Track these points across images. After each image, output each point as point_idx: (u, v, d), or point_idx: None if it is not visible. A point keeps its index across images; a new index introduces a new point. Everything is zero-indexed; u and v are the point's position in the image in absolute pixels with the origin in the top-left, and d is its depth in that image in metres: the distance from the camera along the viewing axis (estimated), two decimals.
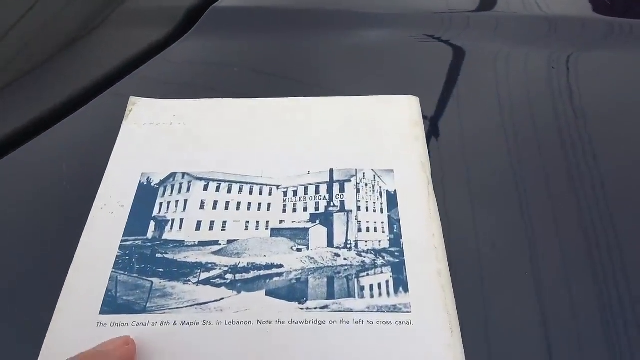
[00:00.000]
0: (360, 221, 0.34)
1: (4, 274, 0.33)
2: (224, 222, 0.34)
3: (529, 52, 0.47)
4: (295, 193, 0.36)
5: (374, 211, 0.35)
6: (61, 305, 0.31)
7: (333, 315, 0.30)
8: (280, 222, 0.34)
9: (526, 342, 0.29)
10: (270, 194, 0.36)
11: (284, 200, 0.35)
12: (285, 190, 0.36)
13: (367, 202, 0.35)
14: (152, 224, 0.34)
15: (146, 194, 0.36)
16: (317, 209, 0.35)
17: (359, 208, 0.35)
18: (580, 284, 0.32)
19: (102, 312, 0.30)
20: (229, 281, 0.31)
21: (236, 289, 0.31)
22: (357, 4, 0.53)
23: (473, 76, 0.45)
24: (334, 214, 0.35)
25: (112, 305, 0.31)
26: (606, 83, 0.45)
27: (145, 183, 0.37)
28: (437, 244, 0.33)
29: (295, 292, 0.31)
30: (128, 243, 0.33)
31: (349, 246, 0.33)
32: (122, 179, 0.37)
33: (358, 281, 0.31)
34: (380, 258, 0.32)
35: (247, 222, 0.34)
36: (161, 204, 0.35)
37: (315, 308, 0.30)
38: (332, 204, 0.35)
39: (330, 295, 0.31)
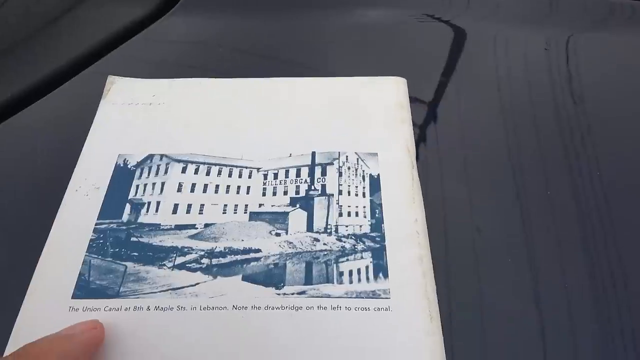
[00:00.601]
0: (341, 205, 0.33)
1: None
2: (202, 205, 0.33)
3: (524, 32, 0.46)
4: (275, 176, 0.35)
5: (356, 195, 0.34)
6: (33, 288, 0.30)
7: (310, 300, 0.29)
8: (260, 205, 0.33)
9: (507, 329, 0.29)
10: (250, 176, 0.35)
11: (264, 184, 0.34)
12: (266, 173, 0.35)
13: (349, 186, 0.34)
14: (128, 206, 0.33)
15: (122, 176, 0.35)
16: (297, 192, 0.34)
17: (340, 192, 0.34)
18: (564, 270, 0.31)
19: (74, 297, 0.30)
20: (205, 266, 0.31)
21: (212, 273, 0.30)
22: None
23: (465, 59, 0.44)
24: (315, 198, 0.34)
25: (84, 289, 0.30)
26: (606, 66, 0.43)
27: (121, 165, 0.36)
28: (419, 229, 0.32)
29: (272, 277, 0.30)
30: (103, 226, 0.32)
31: (329, 231, 0.32)
32: (98, 160, 0.36)
33: (337, 266, 0.30)
34: (361, 243, 0.31)
35: (226, 205, 0.33)
36: (137, 186, 0.34)
37: (293, 294, 0.29)
38: (313, 188, 0.34)
39: (308, 280, 0.30)
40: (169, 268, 0.31)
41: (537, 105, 0.40)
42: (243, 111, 0.39)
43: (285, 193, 0.34)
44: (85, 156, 0.36)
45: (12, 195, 0.35)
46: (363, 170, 0.35)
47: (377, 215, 0.33)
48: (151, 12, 0.49)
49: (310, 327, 0.28)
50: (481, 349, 0.28)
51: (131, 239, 0.32)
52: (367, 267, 0.30)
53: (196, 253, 0.31)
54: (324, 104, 0.39)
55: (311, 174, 0.35)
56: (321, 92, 0.40)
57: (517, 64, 0.43)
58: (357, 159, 0.35)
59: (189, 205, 0.33)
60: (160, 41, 0.47)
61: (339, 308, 0.29)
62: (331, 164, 0.35)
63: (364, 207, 0.33)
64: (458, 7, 0.49)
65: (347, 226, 0.32)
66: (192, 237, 0.32)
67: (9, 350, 0.27)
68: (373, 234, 0.32)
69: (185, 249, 0.31)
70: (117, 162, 0.36)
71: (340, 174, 0.35)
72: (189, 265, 0.31)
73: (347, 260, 0.31)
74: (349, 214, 0.33)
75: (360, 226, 0.32)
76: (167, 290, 0.30)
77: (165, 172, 0.35)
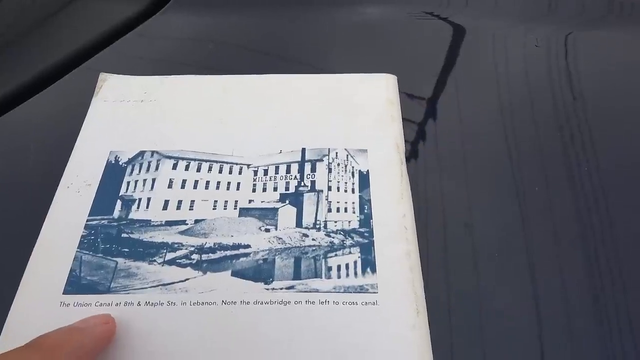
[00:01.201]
0: (330, 201, 0.34)
1: None
2: (192, 202, 0.34)
3: (521, 30, 0.45)
4: (265, 172, 0.35)
5: (345, 191, 0.34)
6: (24, 284, 0.30)
7: (298, 295, 0.29)
8: (250, 201, 0.34)
9: (493, 323, 0.29)
10: (240, 173, 0.35)
11: (254, 180, 0.35)
12: (256, 169, 0.35)
13: (338, 182, 0.35)
14: (119, 203, 0.34)
15: (114, 173, 0.35)
16: (287, 188, 0.34)
17: (329, 188, 0.34)
18: (552, 265, 0.31)
19: (65, 292, 0.30)
20: (194, 261, 0.31)
21: (202, 269, 0.31)
22: None
23: (461, 56, 0.44)
24: (304, 194, 0.34)
25: (75, 285, 0.30)
26: (605, 63, 0.43)
27: (113, 161, 0.36)
28: (407, 224, 0.32)
29: (261, 272, 0.30)
30: (94, 223, 0.33)
31: (317, 227, 0.32)
32: (90, 157, 0.36)
33: (325, 262, 0.31)
34: (349, 239, 0.32)
35: (216, 201, 0.34)
36: (129, 182, 0.35)
37: (281, 288, 0.30)
38: (302, 184, 0.34)
39: (297, 275, 0.30)
40: (159, 264, 0.31)
41: (532, 102, 0.40)
42: (234, 108, 0.39)
43: (275, 189, 0.34)
44: (77, 153, 0.36)
45: (4, 192, 0.35)
46: (352, 167, 0.35)
47: (365, 211, 0.33)
48: (144, 10, 0.49)
49: (298, 322, 0.28)
50: (467, 343, 0.29)
51: (122, 235, 0.32)
52: (355, 262, 0.31)
53: (186, 249, 0.31)
54: (314, 101, 0.39)
55: (301, 170, 0.35)
56: (312, 88, 0.40)
57: (513, 62, 0.43)
58: (347, 155, 0.36)
59: (180, 202, 0.34)
60: (152, 38, 0.47)
61: (326, 302, 0.29)
62: (321, 160, 0.36)
63: (353, 203, 0.33)
64: (456, 4, 0.49)
65: (336, 222, 0.33)
66: (182, 233, 0.32)
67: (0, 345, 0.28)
68: (362, 230, 0.32)
69: (176, 245, 0.32)
70: (108, 159, 0.36)
71: (330, 170, 0.35)
72: (179, 261, 0.31)
73: (336, 255, 0.31)
74: (338, 210, 0.33)
75: (349, 222, 0.33)
76: (157, 285, 0.30)
77: (156, 168, 0.35)
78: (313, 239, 0.32)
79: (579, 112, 0.39)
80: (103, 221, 0.33)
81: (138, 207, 0.33)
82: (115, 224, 0.33)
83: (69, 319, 0.28)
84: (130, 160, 0.36)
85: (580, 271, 0.31)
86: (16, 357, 0.24)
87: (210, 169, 0.35)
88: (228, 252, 0.31)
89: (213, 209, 0.33)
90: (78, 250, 0.31)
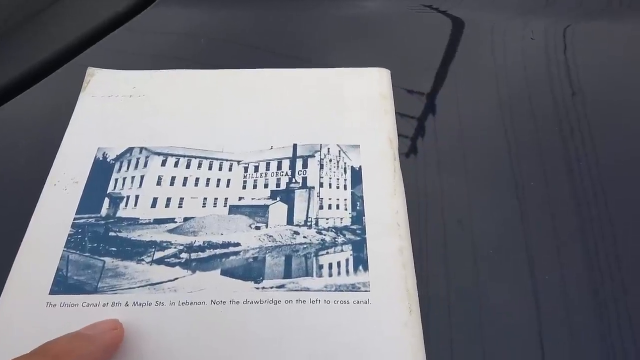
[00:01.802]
0: (322, 198, 0.33)
1: None
2: (181, 199, 0.33)
3: (520, 23, 0.45)
4: (256, 169, 0.34)
5: (337, 188, 0.33)
6: (10, 284, 0.30)
7: (289, 294, 0.29)
8: (240, 198, 0.33)
9: (486, 321, 0.29)
10: (230, 169, 0.34)
11: (245, 176, 0.34)
12: (246, 165, 0.35)
13: (330, 178, 0.34)
14: (107, 201, 0.33)
15: (102, 170, 0.34)
16: (278, 185, 0.34)
17: (321, 184, 0.34)
18: (546, 262, 0.31)
19: (51, 292, 0.29)
20: (183, 260, 0.30)
21: (191, 268, 0.30)
22: None
23: (460, 50, 0.43)
24: (296, 191, 0.33)
25: (62, 285, 0.29)
26: (604, 56, 0.43)
27: (101, 158, 0.35)
28: (400, 221, 0.32)
29: (251, 271, 0.30)
30: (81, 221, 0.32)
31: (309, 224, 0.32)
32: (77, 154, 0.35)
33: (317, 260, 0.30)
34: (341, 236, 0.31)
35: (205, 198, 0.33)
36: (117, 180, 0.34)
37: (272, 287, 0.29)
38: (294, 180, 0.34)
39: (287, 274, 0.30)
40: (147, 263, 0.30)
41: (530, 96, 0.39)
42: (224, 103, 0.38)
43: (266, 186, 0.34)
44: (64, 150, 0.36)
45: None
46: (345, 163, 0.35)
47: (358, 207, 0.32)
48: (134, 5, 0.48)
49: (289, 321, 0.28)
50: (460, 341, 0.28)
51: (109, 234, 0.32)
52: (347, 260, 0.30)
53: (175, 247, 0.31)
54: (306, 96, 0.38)
55: (292, 166, 0.34)
56: (303, 83, 0.39)
57: (511, 55, 0.42)
58: (339, 151, 0.35)
59: (169, 199, 0.33)
60: (142, 33, 0.46)
61: (317, 301, 0.28)
62: (312, 156, 0.35)
63: (345, 199, 0.33)
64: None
65: (327, 219, 0.32)
66: (171, 231, 0.32)
67: None
68: (354, 227, 0.32)
69: (164, 244, 0.31)
70: (96, 156, 0.35)
71: (322, 167, 0.34)
72: (168, 260, 0.30)
73: (327, 253, 0.31)
74: (329, 207, 0.33)
75: (341, 219, 0.32)
76: (145, 285, 0.29)
77: (145, 165, 0.35)
78: (304, 237, 0.31)
79: (577, 105, 0.39)
80: (90, 219, 0.32)
81: (126, 205, 0.33)
82: (102, 222, 0.32)
83: (55, 320, 0.28)
84: (119, 157, 0.35)
85: (578, 266, 0.31)
86: None
87: (200, 165, 0.35)
88: (217, 251, 0.31)
89: (202, 206, 0.33)
90: (65, 249, 0.31)
